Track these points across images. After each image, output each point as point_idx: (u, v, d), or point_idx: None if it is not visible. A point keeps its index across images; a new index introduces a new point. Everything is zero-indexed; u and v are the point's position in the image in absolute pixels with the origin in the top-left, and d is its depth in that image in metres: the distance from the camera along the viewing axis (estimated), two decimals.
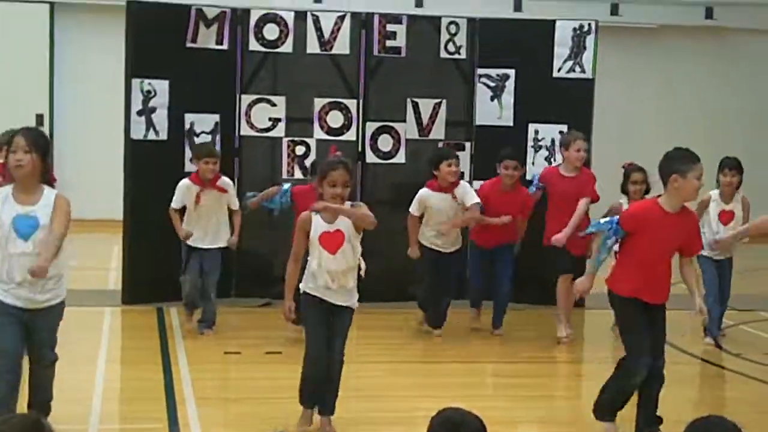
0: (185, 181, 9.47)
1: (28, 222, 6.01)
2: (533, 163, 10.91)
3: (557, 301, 9.71)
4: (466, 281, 10.36)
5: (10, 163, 6.07)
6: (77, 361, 8.08)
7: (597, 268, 6.85)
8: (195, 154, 9.67)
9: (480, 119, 11.25)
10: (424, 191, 9.55)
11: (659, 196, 6.72)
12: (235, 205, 9.56)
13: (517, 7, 16.95)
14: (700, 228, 9.12)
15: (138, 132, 10.49)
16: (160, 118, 10.59)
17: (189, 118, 10.70)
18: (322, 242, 6.61)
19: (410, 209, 9.59)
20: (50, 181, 6.24)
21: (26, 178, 6.05)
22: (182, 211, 9.47)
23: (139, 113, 10.54)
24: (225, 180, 9.55)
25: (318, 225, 6.62)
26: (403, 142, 11.03)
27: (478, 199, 9.52)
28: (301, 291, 6.75)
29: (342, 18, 11.00)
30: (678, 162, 6.59)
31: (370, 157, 11.03)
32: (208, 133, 10.73)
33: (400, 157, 11.00)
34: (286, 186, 9.54)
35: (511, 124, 11.13)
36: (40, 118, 16.11)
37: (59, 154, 16.31)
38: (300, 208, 8.46)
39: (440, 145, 10.90)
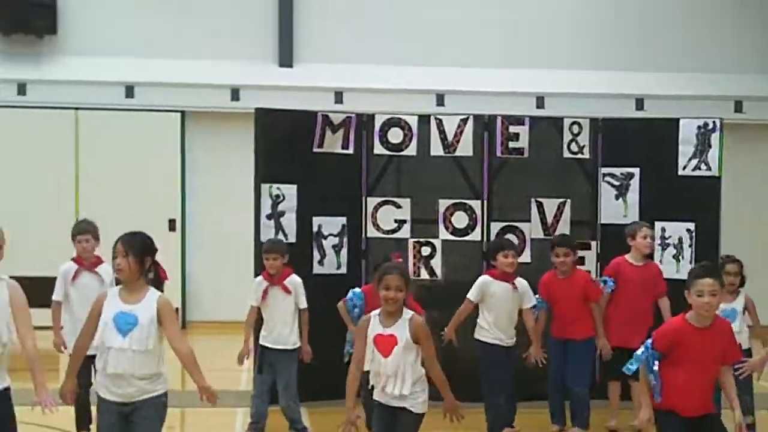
0: (258, 278, 9.55)
1: (127, 319, 6.29)
2: (661, 261, 10.78)
3: (612, 399, 10.04)
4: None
5: (114, 267, 6.48)
6: None
7: (658, 394, 6.74)
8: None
9: (605, 218, 11.24)
10: (485, 277, 9.52)
11: (687, 311, 6.72)
12: (303, 304, 9.43)
13: (639, 107, 16.97)
14: None
15: (267, 235, 10.69)
16: (289, 221, 10.82)
17: (317, 221, 10.92)
18: (376, 344, 6.72)
19: (468, 295, 9.47)
20: (159, 279, 6.49)
21: (128, 280, 6.37)
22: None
23: (269, 217, 10.79)
24: (293, 279, 9.45)
25: (374, 327, 6.75)
26: (528, 241, 11.07)
27: (534, 302, 9.61)
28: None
29: (465, 120, 11.17)
30: (688, 277, 6.70)
31: None
32: (335, 236, 10.94)
33: (525, 257, 10.99)
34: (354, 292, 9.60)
35: None
36: (172, 223, 16.55)
37: (190, 257, 16.79)
38: (370, 305, 8.68)
39: None
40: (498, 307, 9.43)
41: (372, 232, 11.12)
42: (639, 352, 6.87)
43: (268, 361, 9.40)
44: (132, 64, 16.67)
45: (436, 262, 11.00)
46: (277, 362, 9.37)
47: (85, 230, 9.07)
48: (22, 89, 16.60)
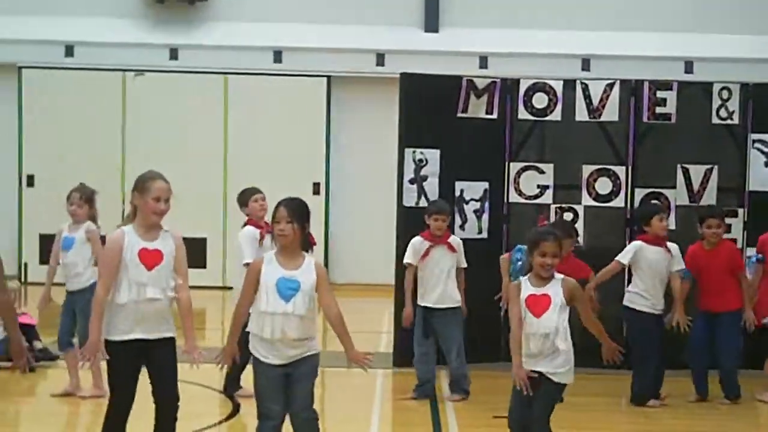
0: (417, 238, 9.61)
1: (290, 285, 6.38)
2: None
3: None
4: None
5: (274, 232, 6.51)
6: (351, 420, 8.36)
7: None
8: (427, 212, 9.70)
9: (753, 185, 11.00)
10: (639, 243, 9.50)
11: None
12: (464, 263, 9.58)
13: None
14: None
15: (410, 199, 10.80)
16: (432, 186, 10.88)
17: (459, 185, 10.95)
18: (528, 305, 6.73)
19: (619, 257, 9.48)
20: (309, 245, 6.58)
21: (289, 246, 6.45)
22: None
23: (411, 181, 10.87)
24: (455, 238, 9.66)
25: (526, 289, 6.77)
26: (673, 208, 10.91)
27: (683, 266, 9.54)
28: None
29: (611, 85, 11.03)
30: None
31: None
32: (477, 200, 10.96)
33: (670, 224, 10.84)
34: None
35: None
36: (316, 186, 16.80)
37: (333, 220, 17.02)
38: None
39: None
40: (652, 273, 9.44)
41: (514, 198, 11.10)
42: None
43: (433, 322, 9.51)
44: (280, 30, 16.93)
45: (579, 228, 10.93)
46: (445, 322, 9.48)
47: (258, 190, 9.40)
48: (174, 54, 17.05)
